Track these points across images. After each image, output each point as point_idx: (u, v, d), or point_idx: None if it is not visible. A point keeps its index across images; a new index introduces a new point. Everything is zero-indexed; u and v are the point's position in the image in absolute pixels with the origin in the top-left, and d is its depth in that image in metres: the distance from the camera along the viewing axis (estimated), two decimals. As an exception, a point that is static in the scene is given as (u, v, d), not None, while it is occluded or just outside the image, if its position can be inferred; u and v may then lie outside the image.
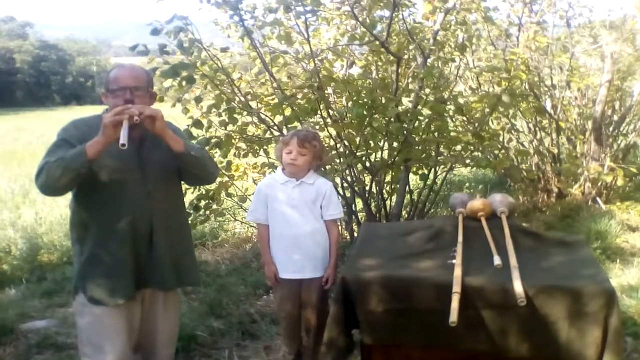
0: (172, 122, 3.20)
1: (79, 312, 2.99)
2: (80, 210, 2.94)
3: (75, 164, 2.68)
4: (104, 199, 2.87)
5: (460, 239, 3.18)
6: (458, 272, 2.81)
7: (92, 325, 2.93)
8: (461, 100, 5.94)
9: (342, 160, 5.32)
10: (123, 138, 2.58)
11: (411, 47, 5.77)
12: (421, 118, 5.58)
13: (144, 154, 2.93)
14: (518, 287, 2.65)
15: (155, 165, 2.95)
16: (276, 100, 5.29)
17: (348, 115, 5.38)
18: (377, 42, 5.30)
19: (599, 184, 7.66)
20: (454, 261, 2.94)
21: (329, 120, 5.36)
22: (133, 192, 2.89)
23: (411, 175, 6.04)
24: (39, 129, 25.81)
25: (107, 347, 2.91)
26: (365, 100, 5.29)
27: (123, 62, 3.40)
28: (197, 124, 5.21)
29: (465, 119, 5.97)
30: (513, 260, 2.87)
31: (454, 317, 2.56)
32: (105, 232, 2.88)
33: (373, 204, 5.91)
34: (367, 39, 5.52)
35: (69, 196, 2.99)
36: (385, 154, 5.71)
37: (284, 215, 3.58)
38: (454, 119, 6.27)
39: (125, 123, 2.63)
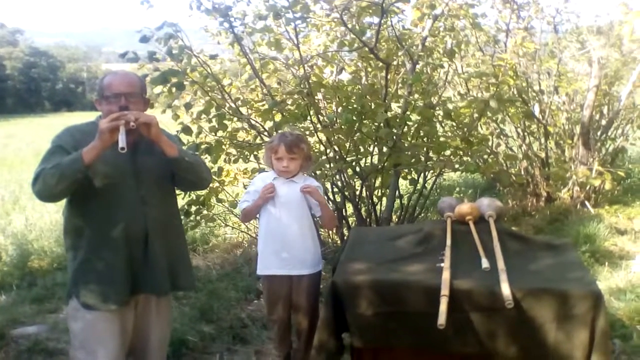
0: (164, 129, 3.22)
1: (72, 316, 2.99)
2: (74, 217, 2.95)
3: (72, 169, 2.70)
4: (97, 205, 2.87)
5: (449, 242, 3.20)
6: (446, 275, 2.83)
7: (85, 329, 2.94)
8: (450, 106, 5.98)
9: (332, 165, 5.35)
10: (122, 142, 2.62)
11: (400, 53, 5.80)
12: (410, 123, 5.62)
13: (137, 160, 2.94)
14: (505, 289, 2.67)
15: (149, 170, 2.96)
16: (266, 106, 5.31)
17: (337, 121, 5.41)
18: (366, 48, 5.33)
19: (587, 187, 7.71)
20: (442, 264, 2.96)
21: (318, 125, 5.39)
22: (127, 197, 2.90)
23: (401, 180, 6.07)
24: (29, 135, 25.72)
25: (99, 351, 2.91)
26: (355, 105, 5.32)
27: (114, 69, 3.43)
28: (186, 129, 5.23)
29: (453, 123, 6.01)
30: (500, 263, 2.90)
31: (442, 319, 2.58)
32: (100, 238, 2.89)
33: (363, 209, 5.94)
34: (356, 45, 5.56)
35: (60, 202, 3.00)
36: (375, 159, 5.73)
37: (272, 212, 3.60)
38: (442, 124, 6.32)
39: (121, 128, 2.66)
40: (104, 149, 2.71)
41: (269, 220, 3.62)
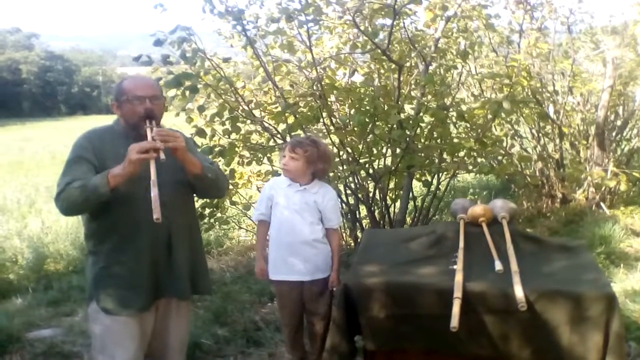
0: (182, 133, 3.24)
1: (92, 318, 3.01)
2: (95, 223, 2.95)
3: (97, 194, 2.71)
4: (120, 211, 2.87)
5: (461, 244, 3.19)
6: (459, 277, 2.82)
7: (104, 332, 2.95)
8: (463, 107, 5.97)
9: (345, 167, 5.35)
10: (153, 174, 2.67)
11: (412, 55, 5.80)
12: (423, 125, 5.61)
13: (158, 166, 2.94)
14: (519, 291, 2.66)
15: (170, 176, 2.94)
16: (279, 108, 5.33)
17: (350, 123, 5.41)
18: (379, 50, 5.34)
19: (603, 188, 7.66)
20: (455, 267, 2.94)
21: (331, 127, 5.39)
22: (149, 203, 2.90)
23: (414, 182, 6.06)
24: (45, 139, 25.93)
25: (118, 354, 2.93)
26: (367, 107, 5.33)
27: (129, 72, 3.46)
28: (200, 132, 5.26)
29: (467, 125, 6.00)
30: (514, 265, 2.88)
31: (454, 322, 2.57)
32: (122, 244, 2.90)
33: (376, 211, 5.93)
34: (368, 47, 5.56)
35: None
36: (388, 161, 5.73)
37: (284, 218, 3.60)
38: (456, 125, 6.30)
39: (152, 162, 2.70)
40: (132, 176, 2.74)
41: (280, 226, 3.62)
